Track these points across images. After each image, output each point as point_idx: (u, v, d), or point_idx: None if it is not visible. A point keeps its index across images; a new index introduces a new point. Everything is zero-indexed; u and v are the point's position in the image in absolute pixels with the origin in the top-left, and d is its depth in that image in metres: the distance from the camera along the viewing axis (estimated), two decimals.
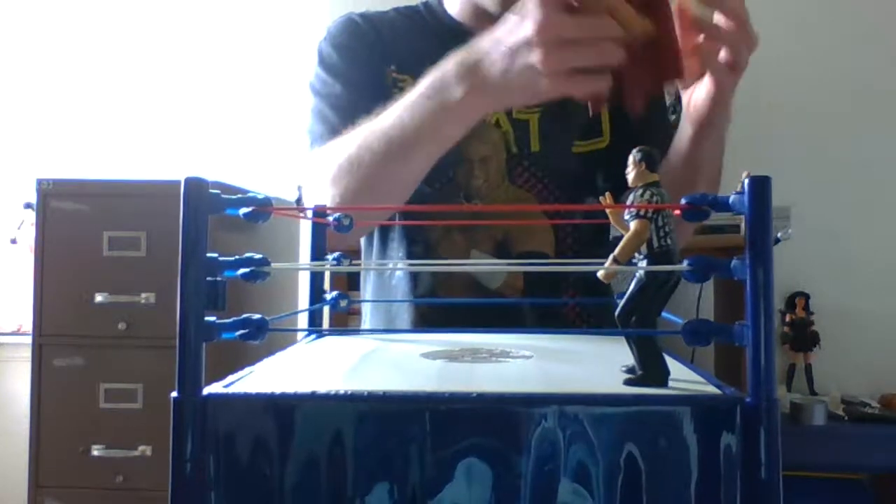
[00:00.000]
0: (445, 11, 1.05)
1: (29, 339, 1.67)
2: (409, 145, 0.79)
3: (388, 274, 1.03)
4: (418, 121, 0.77)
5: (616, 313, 0.42)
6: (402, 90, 0.87)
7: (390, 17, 1.06)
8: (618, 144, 0.98)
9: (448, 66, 0.74)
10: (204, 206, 0.36)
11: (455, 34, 0.86)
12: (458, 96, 0.73)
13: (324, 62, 1.02)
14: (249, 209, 0.39)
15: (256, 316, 0.39)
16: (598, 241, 0.99)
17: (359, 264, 1.05)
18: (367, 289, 1.09)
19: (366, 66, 1.00)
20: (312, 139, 0.99)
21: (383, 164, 0.81)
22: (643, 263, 0.41)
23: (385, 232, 1.02)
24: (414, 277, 0.99)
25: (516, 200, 0.97)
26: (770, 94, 2.09)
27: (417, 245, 0.98)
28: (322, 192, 0.88)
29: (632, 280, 0.42)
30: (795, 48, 2.10)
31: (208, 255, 0.37)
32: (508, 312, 0.95)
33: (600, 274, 0.42)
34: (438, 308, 0.98)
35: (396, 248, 1.01)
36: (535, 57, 0.66)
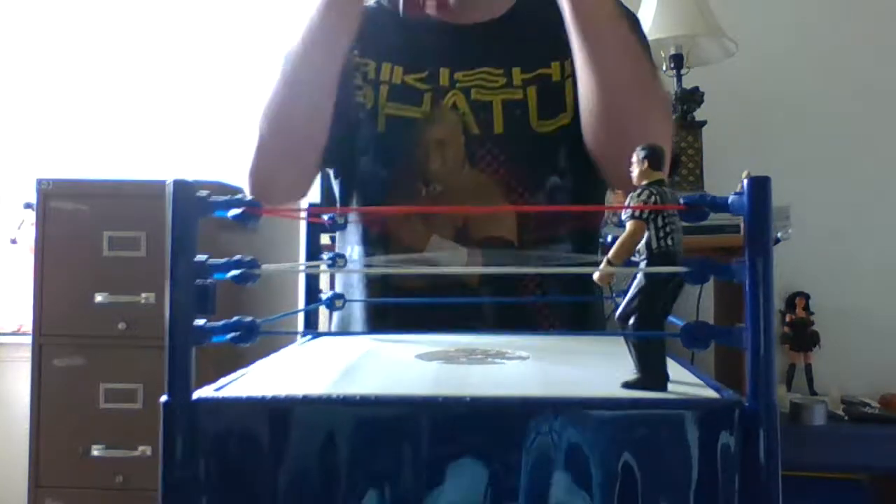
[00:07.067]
0: None
1: (29, 339, 1.67)
2: (304, 58, 0.96)
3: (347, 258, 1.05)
4: (307, 32, 0.95)
5: (616, 315, 0.41)
6: (363, 74, 1.00)
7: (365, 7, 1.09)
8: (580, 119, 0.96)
9: None
10: (191, 208, 0.36)
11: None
12: None
13: None
14: (238, 210, 0.38)
15: (247, 318, 0.39)
16: (560, 224, 0.97)
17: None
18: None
19: None
20: None
21: (288, 87, 0.98)
22: (643, 264, 0.40)
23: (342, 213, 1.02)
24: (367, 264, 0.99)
25: (475, 185, 0.95)
26: (770, 93, 2.09)
27: (374, 226, 0.97)
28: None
29: (631, 281, 0.41)
30: (795, 48, 2.10)
31: (197, 257, 0.36)
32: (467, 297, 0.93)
33: (595, 276, 0.41)
34: (393, 295, 0.97)
35: (353, 230, 1.00)
36: None
